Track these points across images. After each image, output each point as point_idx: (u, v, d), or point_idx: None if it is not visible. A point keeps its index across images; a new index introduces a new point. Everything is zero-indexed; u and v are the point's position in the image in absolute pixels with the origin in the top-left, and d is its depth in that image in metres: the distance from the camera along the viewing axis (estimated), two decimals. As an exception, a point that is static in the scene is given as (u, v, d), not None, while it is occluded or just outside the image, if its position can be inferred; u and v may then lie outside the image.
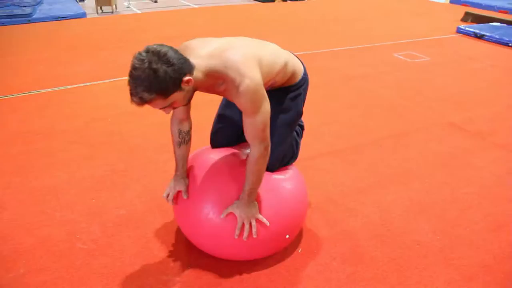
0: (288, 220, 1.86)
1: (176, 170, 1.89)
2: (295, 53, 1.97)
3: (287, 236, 1.90)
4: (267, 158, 1.69)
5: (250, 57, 1.55)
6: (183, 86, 1.44)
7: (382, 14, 7.92)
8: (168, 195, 1.90)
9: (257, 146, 1.64)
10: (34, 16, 7.02)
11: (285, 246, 1.99)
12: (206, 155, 1.96)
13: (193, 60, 1.50)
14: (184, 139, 1.86)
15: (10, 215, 2.26)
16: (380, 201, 2.40)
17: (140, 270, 1.92)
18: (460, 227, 2.20)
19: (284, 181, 1.91)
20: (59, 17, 7.14)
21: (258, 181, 1.71)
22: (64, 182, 2.55)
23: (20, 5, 7.62)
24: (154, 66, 1.35)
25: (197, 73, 1.50)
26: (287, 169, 2.00)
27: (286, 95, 1.86)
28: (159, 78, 1.36)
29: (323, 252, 2.02)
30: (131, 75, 1.38)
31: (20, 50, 5.33)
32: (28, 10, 7.22)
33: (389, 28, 6.63)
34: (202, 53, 1.56)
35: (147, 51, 1.38)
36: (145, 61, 1.35)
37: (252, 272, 1.89)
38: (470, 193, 2.48)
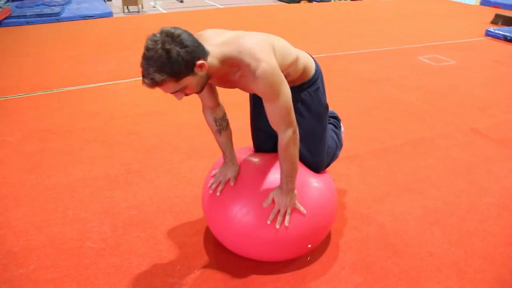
0: (315, 228, 1.83)
1: (225, 158, 1.87)
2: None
3: (309, 246, 1.88)
4: (298, 143, 1.66)
5: (264, 43, 1.53)
6: (196, 70, 1.43)
7: (408, 16, 7.76)
8: (217, 183, 1.84)
9: (284, 132, 1.61)
10: (62, 15, 7.18)
11: (303, 254, 1.96)
12: (247, 153, 1.97)
13: (209, 47, 1.50)
14: (221, 125, 1.85)
15: (24, 212, 2.30)
16: (395, 209, 2.33)
17: (147, 271, 1.92)
18: (476, 238, 2.11)
19: (320, 189, 1.87)
20: (86, 16, 7.28)
21: (292, 168, 1.68)
22: (79, 181, 2.58)
23: (50, 5, 7.81)
24: (167, 46, 1.34)
25: (212, 59, 1.49)
26: (324, 176, 1.96)
27: (305, 92, 1.84)
28: (171, 59, 1.35)
29: (332, 261, 1.97)
30: (143, 56, 1.38)
31: (47, 48, 5.46)
32: (57, 9, 7.40)
33: (415, 31, 6.48)
34: (216, 41, 1.55)
35: (161, 32, 1.37)
36: (158, 41, 1.35)
37: (259, 278, 1.86)
38: (490, 203, 2.38)
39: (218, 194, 1.82)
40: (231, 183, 1.81)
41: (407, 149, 2.97)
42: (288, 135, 1.61)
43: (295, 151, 1.65)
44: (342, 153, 2.87)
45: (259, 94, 1.56)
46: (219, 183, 1.84)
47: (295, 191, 1.73)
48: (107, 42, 5.77)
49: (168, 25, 1.43)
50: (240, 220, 1.76)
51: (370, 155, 2.89)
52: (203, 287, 1.82)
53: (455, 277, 1.88)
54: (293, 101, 1.76)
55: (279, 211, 1.72)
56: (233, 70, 1.54)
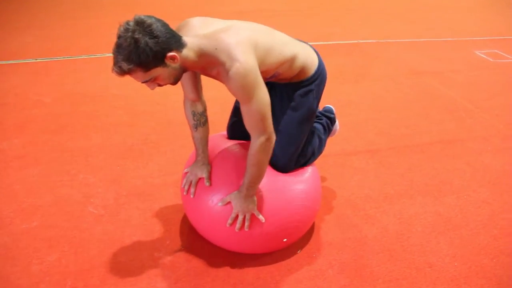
0: (288, 223, 1.76)
1: (197, 155, 1.83)
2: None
3: (285, 240, 1.82)
4: (269, 151, 1.60)
5: (244, 40, 1.45)
6: (168, 62, 1.40)
7: (473, 4, 7.12)
8: (188, 184, 1.80)
9: (257, 138, 1.55)
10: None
11: (282, 247, 1.91)
12: (218, 143, 1.91)
13: (188, 38, 1.45)
14: (199, 121, 1.81)
15: (40, 171, 2.41)
16: (404, 212, 2.20)
17: (136, 242, 1.95)
18: (486, 256, 1.95)
19: (293, 182, 1.79)
20: (145, -16, 7.39)
21: (258, 175, 1.62)
22: (97, 146, 2.66)
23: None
24: (136, 35, 1.32)
25: (188, 52, 1.44)
26: (304, 169, 1.88)
27: (296, 91, 1.74)
28: (139, 48, 1.32)
29: (322, 257, 1.91)
30: (115, 43, 1.37)
31: (102, 13, 5.59)
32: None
33: (478, 21, 5.96)
34: (199, 32, 1.50)
35: (134, 20, 1.35)
36: (130, 30, 1.33)
37: (242, 266, 1.84)
38: (512, 219, 2.19)
39: (192, 196, 1.77)
40: (206, 184, 1.75)
41: (435, 149, 2.77)
42: (260, 142, 1.54)
43: (264, 158, 1.59)
44: (362, 146, 2.78)
45: (233, 95, 1.51)
46: (191, 183, 1.79)
47: (255, 198, 1.67)
48: (160, 10, 5.80)
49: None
50: (212, 211, 1.73)
51: (392, 151, 2.73)
52: (185, 265, 1.83)
53: (449, 294, 1.75)
54: (282, 97, 1.69)
55: (237, 216, 1.67)
56: (210, 66, 1.48)
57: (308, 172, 1.87)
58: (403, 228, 2.09)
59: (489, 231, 2.09)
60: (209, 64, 1.48)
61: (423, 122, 3.13)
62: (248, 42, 1.45)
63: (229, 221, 1.67)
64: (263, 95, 1.49)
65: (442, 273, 1.84)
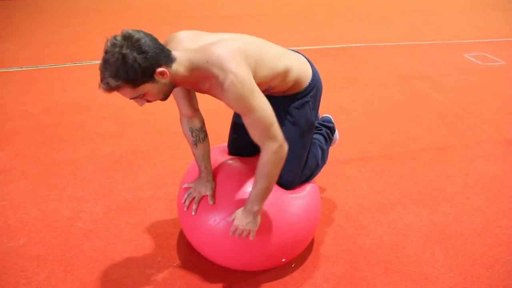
0: (289, 244, 1.73)
1: (200, 172, 1.74)
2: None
3: (283, 260, 1.79)
4: (281, 161, 1.50)
5: (235, 51, 1.41)
6: (157, 78, 1.35)
7: (461, 7, 7.16)
8: (190, 200, 1.73)
9: (267, 145, 1.45)
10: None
11: (279, 265, 1.87)
12: (219, 158, 1.86)
13: (177, 52, 1.41)
14: (198, 137, 1.73)
15: (26, 185, 2.35)
16: (398, 222, 2.19)
17: (127, 259, 1.91)
18: (482, 266, 1.94)
19: (295, 202, 1.75)
20: (132, -12, 7.32)
21: (267, 188, 1.54)
22: (85, 158, 2.60)
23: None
24: (124, 51, 1.27)
25: (178, 67, 1.39)
26: (305, 188, 1.83)
27: (291, 103, 1.71)
28: (127, 64, 1.27)
29: (317, 271, 1.88)
30: (102, 59, 1.32)
31: (88, 19, 5.51)
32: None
33: (465, 24, 5.99)
34: (188, 46, 1.45)
35: (121, 35, 1.30)
36: (117, 45, 1.28)
37: (235, 281, 1.80)
38: (506, 227, 2.18)
39: (193, 213, 1.70)
40: (210, 202, 1.68)
41: (428, 156, 2.77)
42: (273, 149, 1.45)
43: (276, 169, 1.50)
44: (355, 154, 2.76)
45: (231, 108, 1.46)
46: (193, 200, 1.72)
47: (258, 218, 1.59)
48: (147, 15, 5.74)
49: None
50: (213, 230, 1.68)
51: (385, 159, 2.72)
52: (177, 282, 1.79)
53: (446, 306, 1.73)
54: (279, 111, 1.64)
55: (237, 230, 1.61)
56: (202, 80, 1.43)
57: (309, 190, 1.84)
58: (398, 239, 2.07)
59: (484, 240, 2.09)
60: (201, 78, 1.43)
61: (414, 128, 3.12)
62: (239, 53, 1.41)
63: (230, 233, 1.62)
64: (264, 102, 1.43)
65: (438, 284, 1.83)
